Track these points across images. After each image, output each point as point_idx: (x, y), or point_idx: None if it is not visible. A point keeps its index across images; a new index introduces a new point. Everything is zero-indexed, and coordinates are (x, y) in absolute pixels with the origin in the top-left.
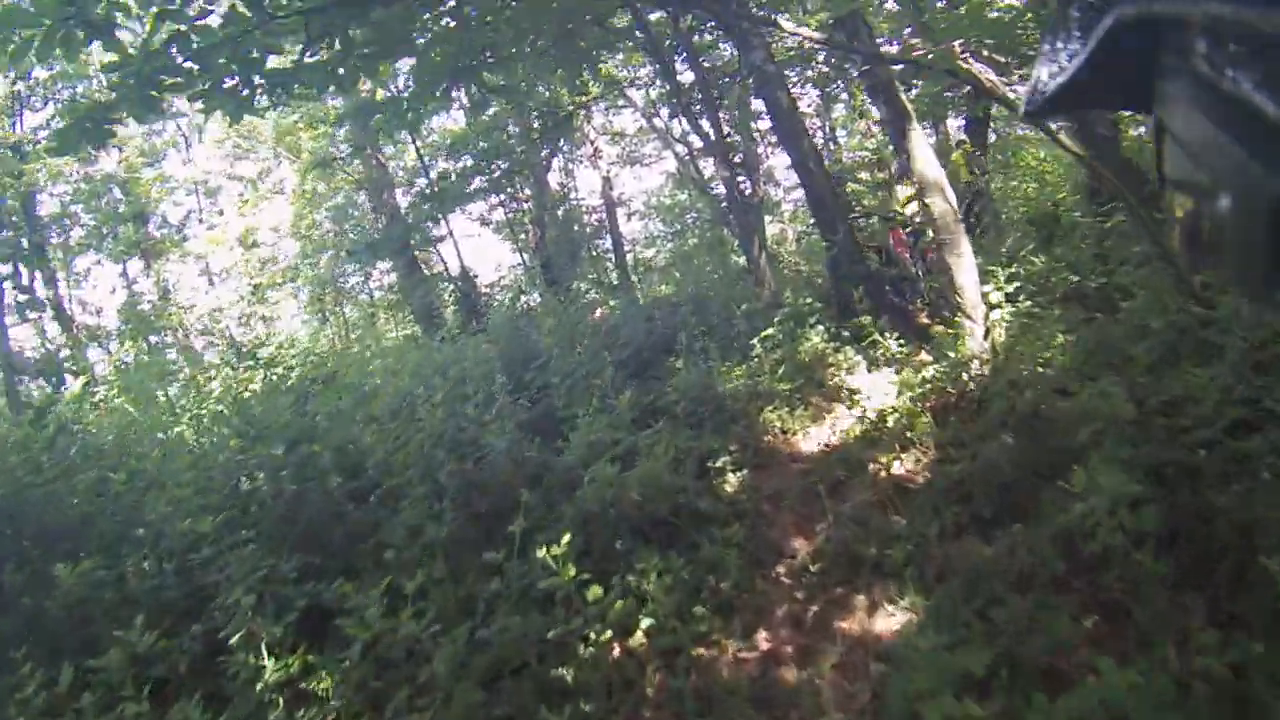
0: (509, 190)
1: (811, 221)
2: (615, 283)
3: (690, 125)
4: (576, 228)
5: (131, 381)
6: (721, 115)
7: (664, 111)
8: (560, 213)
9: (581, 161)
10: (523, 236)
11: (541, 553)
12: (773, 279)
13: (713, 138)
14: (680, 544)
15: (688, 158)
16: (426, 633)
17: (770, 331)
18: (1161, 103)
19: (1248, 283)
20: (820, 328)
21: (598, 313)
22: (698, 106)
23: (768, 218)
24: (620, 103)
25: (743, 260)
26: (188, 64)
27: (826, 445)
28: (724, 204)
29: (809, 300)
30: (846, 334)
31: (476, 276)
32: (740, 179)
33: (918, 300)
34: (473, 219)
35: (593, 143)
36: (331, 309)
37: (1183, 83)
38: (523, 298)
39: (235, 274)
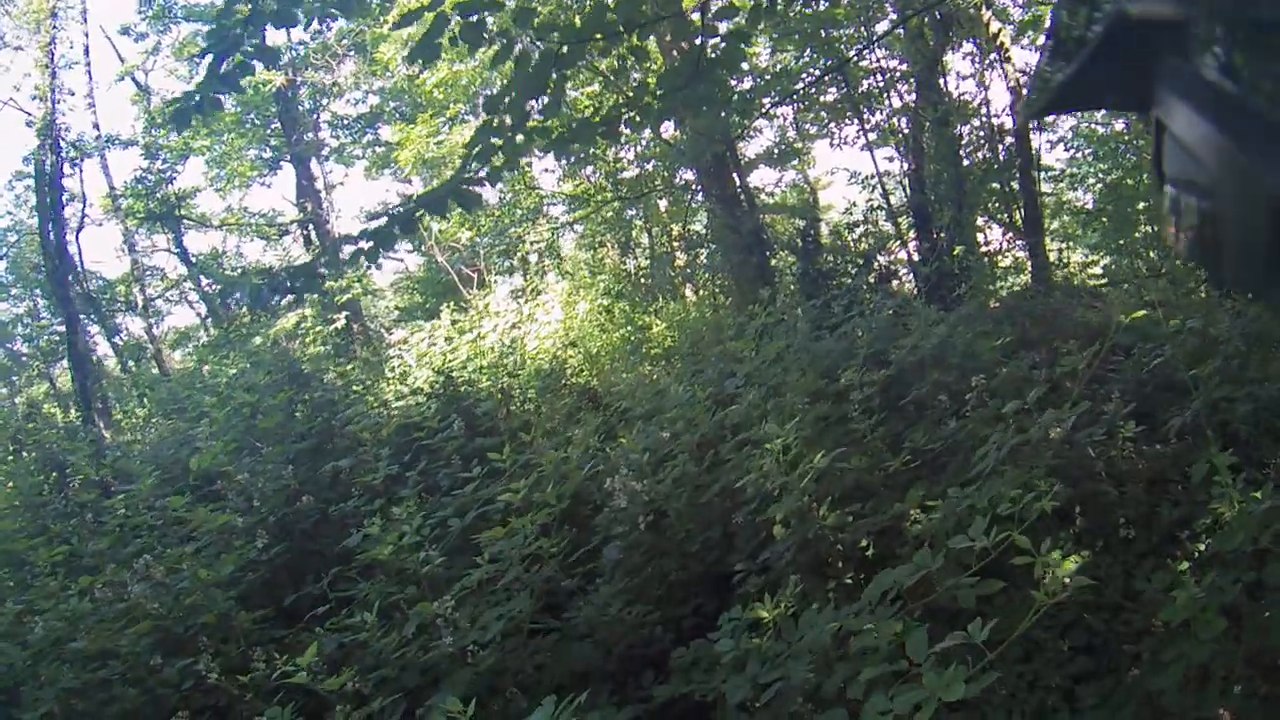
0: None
1: None
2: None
3: None
4: (968, 151)
5: None
6: None
7: None
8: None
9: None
10: (889, 160)
11: None
12: None
13: None
14: None
15: None
16: None
17: None
18: (1160, 102)
19: (1246, 279)
20: None
21: None
22: None
23: None
24: None
25: None
26: None
27: None
28: None
29: None
30: None
31: (819, 221)
32: None
33: None
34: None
35: (996, 37)
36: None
37: (1182, 82)
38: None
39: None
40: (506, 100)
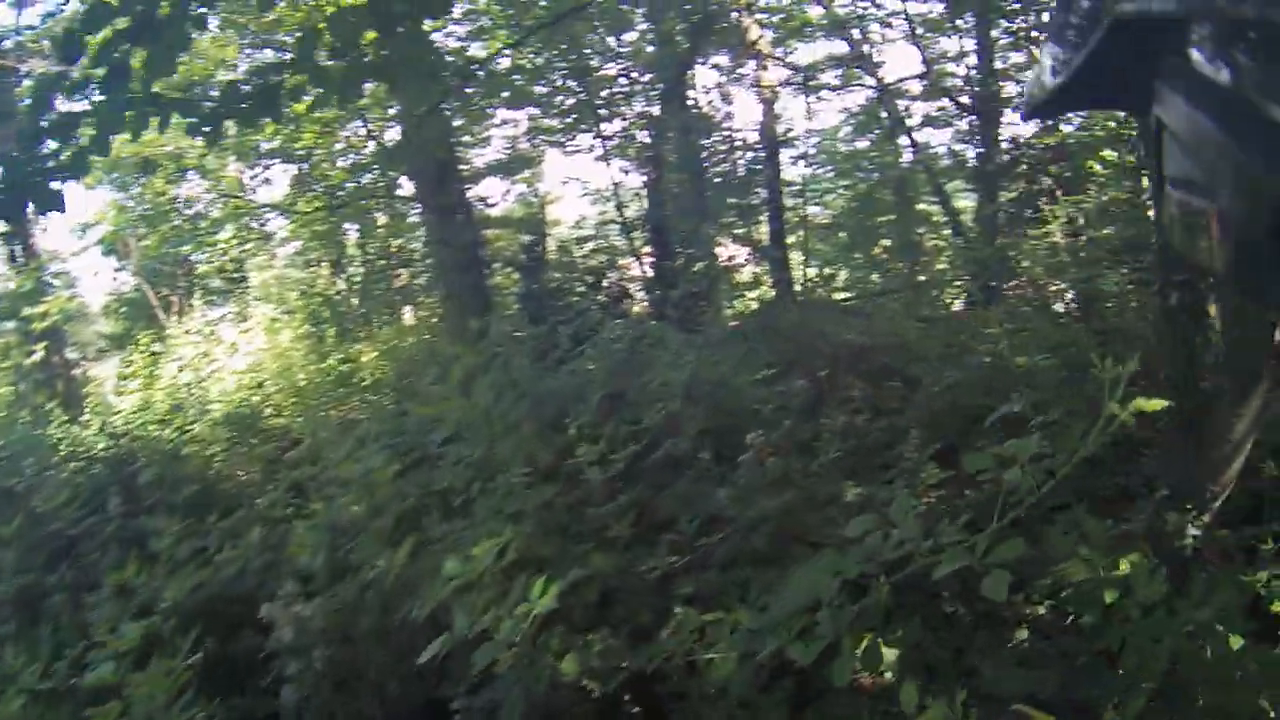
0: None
1: None
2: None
3: None
4: (712, 164)
5: None
6: None
7: None
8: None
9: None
10: (624, 172)
11: None
12: None
13: None
14: None
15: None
16: None
17: None
18: (1160, 101)
19: (1246, 278)
20: None
21: None
22: None
23: None
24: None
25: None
26: None
27: None
28: None
29: None
30: None
31: (546, 235)
32: None
33: None
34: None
35: (754, 45)
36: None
37: (1182, 82)
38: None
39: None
40: (83, 43)
